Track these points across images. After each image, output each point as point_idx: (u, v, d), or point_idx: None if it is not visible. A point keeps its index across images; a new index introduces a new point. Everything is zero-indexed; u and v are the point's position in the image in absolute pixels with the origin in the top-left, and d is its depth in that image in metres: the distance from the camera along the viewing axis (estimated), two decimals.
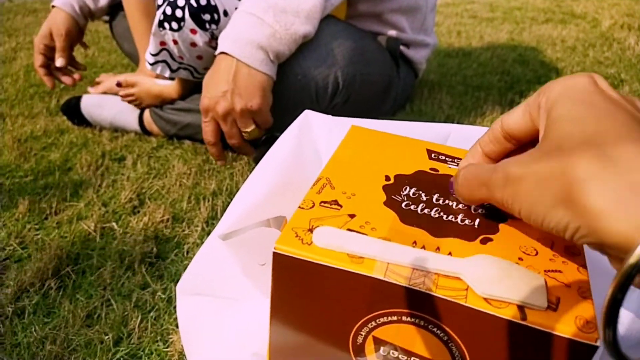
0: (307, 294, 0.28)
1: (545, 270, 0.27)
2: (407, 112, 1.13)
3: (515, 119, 0.28)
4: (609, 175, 0.20)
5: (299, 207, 0.31)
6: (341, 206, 0.31)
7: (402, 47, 1.00)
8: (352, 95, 0.85)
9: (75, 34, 1.03)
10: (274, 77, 0.76)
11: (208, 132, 0.77)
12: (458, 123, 1.06)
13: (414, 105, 1.18)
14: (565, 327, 0.24)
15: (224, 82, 0.73)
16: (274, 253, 0.28)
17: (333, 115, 0.88)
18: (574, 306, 0.25)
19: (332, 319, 0.29)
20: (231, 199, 0.78)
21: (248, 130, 0.76)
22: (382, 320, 0.27)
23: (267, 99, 0.75)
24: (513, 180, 0.24)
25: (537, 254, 0.28)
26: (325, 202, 0.31)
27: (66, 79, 1.04)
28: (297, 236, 0.28)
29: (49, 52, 1.01)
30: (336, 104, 0.84)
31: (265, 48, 0.73)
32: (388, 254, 0.27)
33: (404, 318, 0.27)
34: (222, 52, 0.74)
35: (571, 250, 0.28)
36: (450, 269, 0.26)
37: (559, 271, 0.27)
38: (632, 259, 0.18)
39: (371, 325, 0.28)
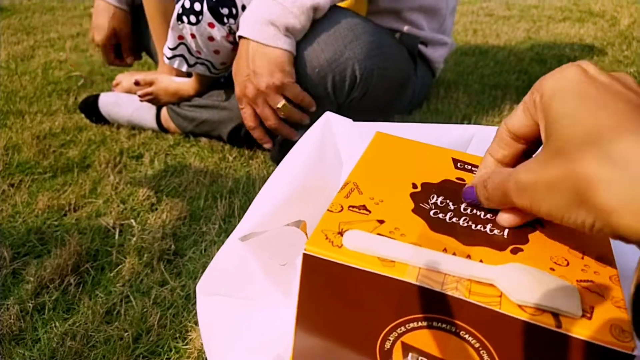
0: (335, 297, 0.28)
1: (577, 280, 0.26)
2: (423, 111, 1.12)
3: (518, 119, 0.28)
4: (611, 173, 0.21)
5: (328, 210, 0.31)
6: (369, 211, 0.31)
7: (420, 46, 0.99)
8: (369, 89, 0.85)
9: (129, 26, 1.08)
10: (292, 51, 0.77)
11: (247, 117, 0.80)
12: (475, 122, 1.05)
13: (431, 104, 1.17)
14: (601, 335, 0.23)
15: (244, 67, 0.76)
16: (304, 254, 0.27)
17: (350, 109, 0.87)
18: (608, 315, 0.24)
19: (360, 323, 0.28)
20: (248, 197, 0.78)
21: (279, 106, 0.77)
22: (411, 325, 0.27)
23: (288, 73, 0.76)
24: (525, 188, 0.25)
25: (568, 264, 0.28)
26: (353, 207, 0.31)
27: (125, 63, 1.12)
28: (327, 238, 0.28)
29: (115, 45, 1.08)
30: (353, 98, 0.84)
31: (274, 23, 0.74)
32: (420, 258, 0.27)
33: (434, 324, 0.26)
34: (240, 37, 0.77)
35: (603, 260, 0.28)
36: (484, 275, 0.26)
37: (591, 281, 0.26)
38: None
39: (400, 330, 0.27)
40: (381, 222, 0.30)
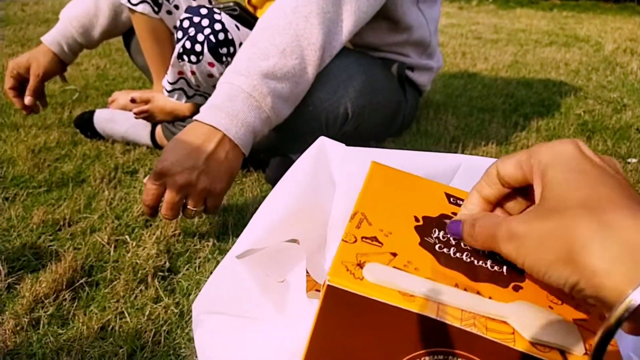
0: (354, 328, 0.29)
1: (573, 319, 0.28)
2: (413, 132, 1.15)
3: (510, 170, 0.31)
4: (606, 237, 0.23)
5: (343, 240, 0.32)
6: (381, 243, 0.32)
7: (407, 71, 1.02)
8: (361, 124, 0.88)
9: (55, 73, 1.03)
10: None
11: (153, 195, 0.67)
12: (463, 145, 1.08)
13: (421, 125, 1.20)
14: None
15: (196, 157, 0.66)
16: (328, 286, 0.28)
17: (343, 140, 0.90)
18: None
19: (375, 354, 0.29)
20: (241, 215, 0.80)
21: (196, 209, 0.68)
22: (427, 359, 0.28)
23: (230, 184, 0.71)
24: (517, 236, 0.27)
25: (562, 303, 0.30)
26: (366, 238, 0.32)
27: (26, 110, 1.02)
28: (348, 270, 0.29)
29: (20, 79, 1.01)
30: (345, 132, 0.86)
31: (256, 132, 0.71)
32: (438, 294, 0.28)
33: (450, 358, 0.28)
34: (208, 124, 0.67)
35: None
36: (498, 312, 0.27)
37: (585, 319, 0.28)
38: (620, 307, 0.21)
39: None
40: (394, 255, 0.31)
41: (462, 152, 1.04)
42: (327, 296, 0.28)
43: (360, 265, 0.29)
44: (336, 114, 0.82)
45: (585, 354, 0.26)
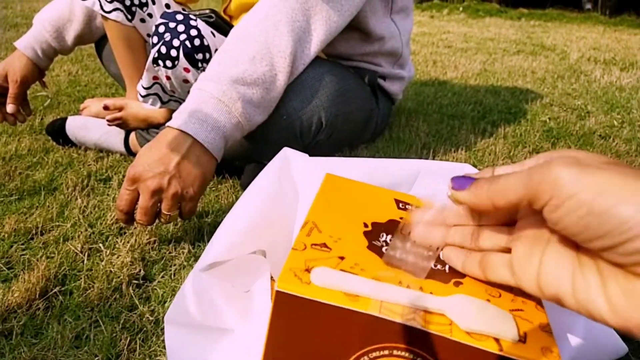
0: (304, 330, 0.31)
1: (510, 310, 0.31)
2: (386, 139, 1.17)
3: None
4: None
5: (293, 248, 0.34)
6: (330, 249, 0.34)
7: (379, 79, 1.05)
8: (334, 132, 0.89)
9: (33, 78, 1.02)
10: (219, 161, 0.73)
11: (126, 200, 0.67)
12: (434, 151, 1.10)
13: (393, 132, 1.23)
14: (535, 355, 0.28)
15: (167, 162, 0.66)
16: (277, 292, 0.30)
17: (317, 147, 0.91)
18: (538, 338, 0.29)
19: (327, 354, 0.31)
20: (217, 222, 0.80)
21: (170, 214, 0.69)
22: (374, 354, 0.30)
23: (204, 188, 0.71)
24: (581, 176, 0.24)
25: (500, 295, 0.32)
26: (315, 245, 0.34)
27: (10, 119, 1.01)
28: (296, 276, 0.31)
29: (0, 90, 1.00)
30: (319, 140, 0.88)
31: (227, 137, 0.71)
32: (381, 292, 0.30)
33: (395, 352, 0.30)
34: (178, 129, 0.68)
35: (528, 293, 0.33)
36: (436, 306, 0.30)
37: (521, 310, 0.31)
38: None
39: (364, 359, 0.31)
40: (342, 258, 0.33)
41: (433, 158, 1.07)
42: (277, 301, 0.30)
43: (308, 270, 0.31)
44: (310, 123, 0.84)
45: (519, 340, 0.28)
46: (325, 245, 0.34)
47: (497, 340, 0.28)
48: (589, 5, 4.99)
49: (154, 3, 0.96)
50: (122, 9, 0.94)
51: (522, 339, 0.28)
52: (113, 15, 0.94)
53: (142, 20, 0.97)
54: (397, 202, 0.42)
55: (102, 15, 0.95)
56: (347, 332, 0.30)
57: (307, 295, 0.30)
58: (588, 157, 0.26)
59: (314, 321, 0.30)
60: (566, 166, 0.24)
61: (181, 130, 0.68)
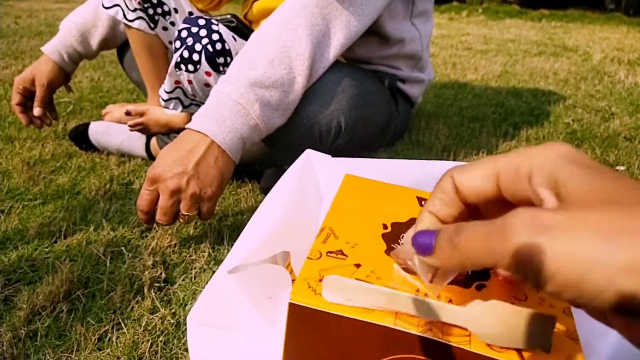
0: (320, 342, 0.30)
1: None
2: (405, 142, 1.16)
3: (477, 184, 0.26)
4: None
5: (308, 257, 0.33)
6: (346, 256, 0.33)
7: (398, 83, 1.04)
8: (354, 136, 0.89)
9: (59, 82, 1.05)
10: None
11: (146, 200, 0.68)
12: (454, 154, 1.09)
13: (412, 135, 1.22)
14: None
15: (186, 163, 0.67)
16: (290, 304, 0.30)
17: (336, 151, 0.91)
18: (564, 347, 0.28)
19: None
20: (237, 225, 0.80)
21: (189, 214, 0.69)
22: None
23: (222, 189, 0.72)
24: (551, 228, 0.21)
25: (526, 298, 0.31)
26: (331, 252, 0.34)
27: (37, 122, 1.04)
28: (309, 287, 0.30)
29: (27, 94, 1.02)
30: (339, 144, 0.88)
31: (245, 139, 0.72)
32: (396, 302, 0.29)
33: None
34: (197, 131, 0.69)
35: None
36: (453, 319, 0.28)
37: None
38: None
39: None
40: (358, 266, 0.32)
41: (454, 161, 1.05)
42: (291, 313, 0.30)
43: (322, 281, 0.31)
44: (329, 127, 0.84)
45: (543, 349, 0.27)
46: (341, 252, 0.34)
47: (518, 351, 0.27)
48: (612, 5, 4.90)
49: (176, 12, 0.97)
50: (145, 17, 0.95)
51: (547, 348, 0.27)
52: (136, 24, 0.95)
53: (165, 29, 0.98)
54: (420, 199, 0.41)
55: (125, 24, 0.96)
56: (363, 343, 0.29)
57: (321, 307, 0.29)
58: (574, 182, 0.23)
59: (328, 332, 0.30)
60: (527, 228, 0.21)
61: (199, 132, 0.69)
